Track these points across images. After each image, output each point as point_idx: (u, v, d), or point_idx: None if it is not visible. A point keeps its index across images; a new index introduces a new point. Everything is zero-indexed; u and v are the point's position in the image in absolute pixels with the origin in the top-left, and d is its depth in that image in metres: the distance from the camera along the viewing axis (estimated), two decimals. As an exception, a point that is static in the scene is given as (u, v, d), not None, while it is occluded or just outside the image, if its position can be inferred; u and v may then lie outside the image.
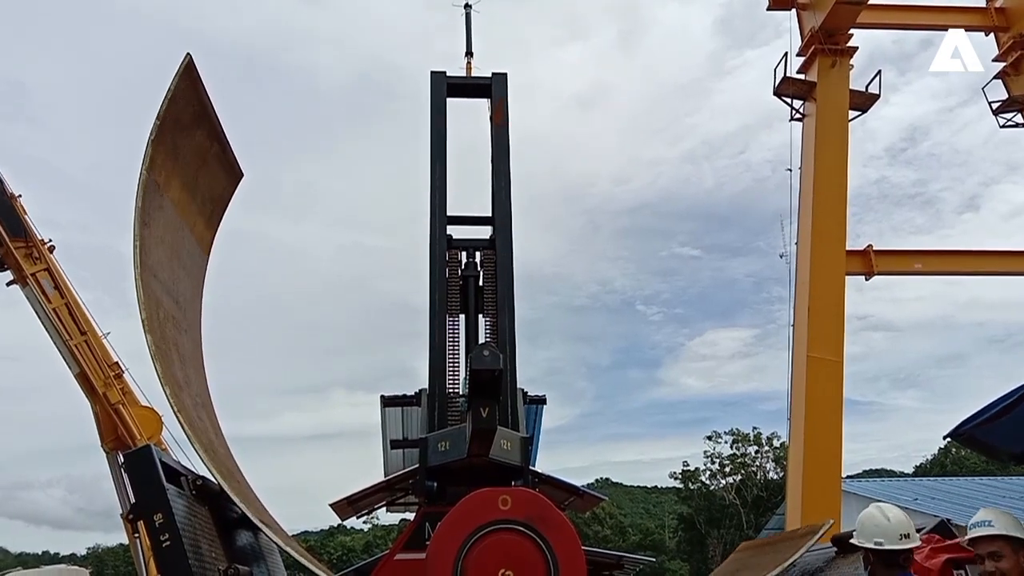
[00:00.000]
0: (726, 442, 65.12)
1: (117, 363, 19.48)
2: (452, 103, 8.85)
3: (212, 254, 8.00)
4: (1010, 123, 19.21)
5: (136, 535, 5.84)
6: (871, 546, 4.40)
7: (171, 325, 6.28)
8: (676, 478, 68.19)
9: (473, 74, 9.51)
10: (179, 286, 6.66)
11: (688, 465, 66.93)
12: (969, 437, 6.45)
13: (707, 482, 65.34)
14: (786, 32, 19.24)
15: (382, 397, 9.52)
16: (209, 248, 7.69)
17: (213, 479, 6.05)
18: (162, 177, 6.30)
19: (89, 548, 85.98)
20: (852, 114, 18.15)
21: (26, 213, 18.69)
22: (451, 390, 8.02)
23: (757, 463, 64.33)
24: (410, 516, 9.99)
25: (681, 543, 68.31)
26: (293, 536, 8.32)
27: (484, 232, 8.79)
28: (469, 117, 9.30)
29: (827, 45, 17.94)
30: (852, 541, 4.58)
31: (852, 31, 18.43)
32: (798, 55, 18.76)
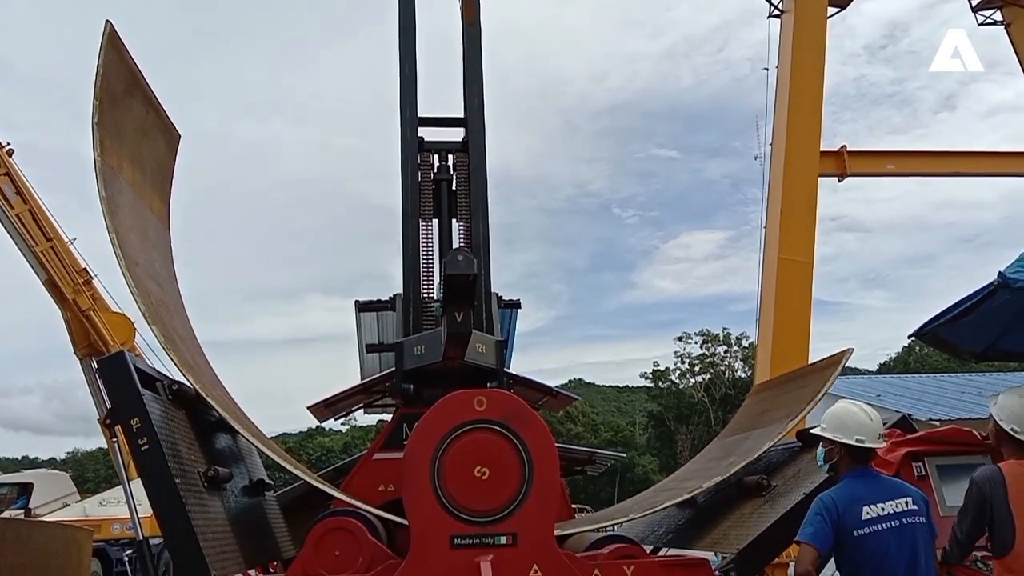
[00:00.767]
0: (696, 342, 66.63)
1: (85, 269, 19.27)
2: (422, -3, 8.52)
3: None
4: (988, 20, 18.96)
5: (114, 440, 5.85)
6: (851, 442, 4.49)
7: (164, 310, 6.22)
8: (647, 378, 69.98)
9: (443, -33, 9.12)
10: (156, 267, 6.57)
11: (659, 365, 68.54)
12: (933, 336, 6.62)
13: (677, 381, 67.14)
14: (767, -76, 18.61)
15: (356, 302, 9.50)
16: (168, 222, 7.50)
17: (188, 384, 6.06)
18: (114, 160, 6.07)
19: (68, 452, 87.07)
20: (831, 11, 17.80)
21: (-20, 116, 18.07)
22: (425, 295, 8.02)
23: (726, 362, 66.04)
24: (387, 417, 10.13)
25: (651, 439, 70.59)
26: (272, 438, 8.44)
27: (457, 134, 8.61)
28: (441, 10, 8.98)
29: (807, -63, 17.40)
30: (828, 435, 4.64)
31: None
32: (778, -52, 18.21)
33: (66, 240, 19.19)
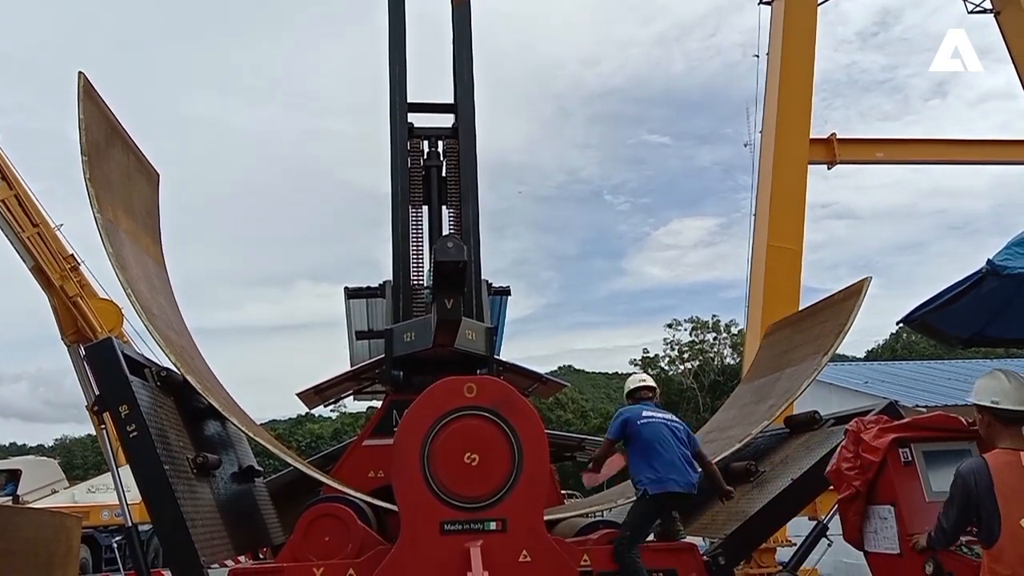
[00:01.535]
0: (686, 329, 66.72)
1: (72, 255, 19.12)
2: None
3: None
4: (978, 8, 18.98)
5: (102, 426, 5.83)
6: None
7: (187, 355, 6.32)
8: (636, 364, 69.97)
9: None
10: (167, 313, 6.61)
11: (648, 352, 68.65)
12: (921, 323, 6.63)
13: (666, 368, 67.21)
14: (758, -90, 18.52)
15: (346, 289, 9.47)
16: (164, 262, 7.53)
17: (176, 369, 6.05)
18: (110, 212, 6.09)
19: (57, 439, 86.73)
20: (821, -3, 17.76)
21: (-35, 100, 17.90)
22: (415, 282, 8.00)
23: (715, 349, 66.20)
24: (377, 404, 10.12)
25: (640, 426, 70.76)
26: (261, 425, 8.42)
27: (447, 120, 8.57)
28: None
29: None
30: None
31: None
32: (769, -66, 18.14)
33: (53, 226, 19.05)
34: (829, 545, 6.33)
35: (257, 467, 7.13)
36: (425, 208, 8.31)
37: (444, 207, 8.32)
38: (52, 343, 19.48)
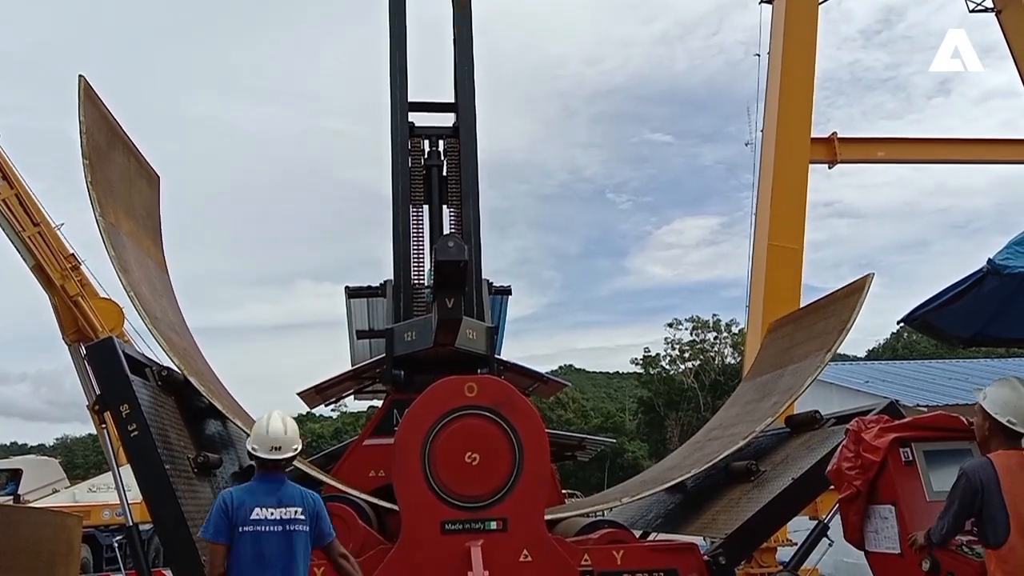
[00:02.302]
0: (686, 329, 66.69)
1: (73, 255, 19.12)
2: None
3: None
4: (979, 7, 18.95)
5: (103, 426, 5.84)
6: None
7: (189, 357, 6.34)
8: (637, 364, 69.98)
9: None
10: (168, 315, 6.63)
11: (649, 351, 68.63)
12: (922, 322, 6.65)
13: (667, 367, 67.19)
14: (759, -91, 18.51)
15: (347, 288, 9.48)
16: (165, 264, 7.55)
17: (177, 369, 6.05)
18: (112, 216, 6.11)
19: (58, 439, 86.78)
20: (822, -4, 17.75)
21: (-35, 99, 17.92)
22: (416, 281, 8.00)
23: (716, 349, 66.16)
24: (378, 403, 10.12)
25: (640, 425, 70.78)
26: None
27: (447, 120, 8.57)
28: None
29: (799, -77, 17.32)
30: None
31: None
32: (770, -67, 18.12)
33: (53, 225, 19.04)
34: (830, 545, 6.32)
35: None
36: (426, 207, 8.31)
37: (445, 206, 8.32)
38: (53, 342, 19.45)
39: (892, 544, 5.13)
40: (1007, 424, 4.34)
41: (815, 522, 6.45)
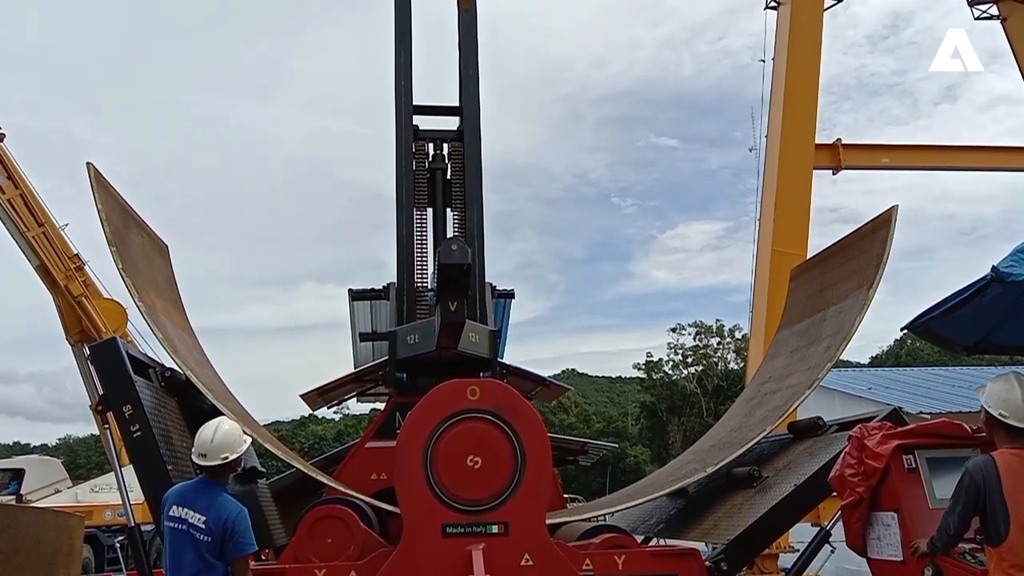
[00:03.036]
0: (689, 334, 66.75)
1: (77, 255, 19.18)
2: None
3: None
4: (985, 15, 18.95)
5: (106, 426, 5.86)
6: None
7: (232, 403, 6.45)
8: (640, 368, 70.01)
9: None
10: (211, 382, 6.59)
11: (652, 356, 68.63)
12: (926, 329, 6.63)
13: (669, 372, 67.20)
14: (765, -86, 18.51)
15: (350, 291, 9.50)
16: (192, 331, 7.63)
17: (180, 371, 6.06)
18: (148, 297, 6.18)
19: (60, 439, 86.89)
20: (828, 2, 17.75)
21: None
22: (419, 284, 8.01)
23: (719, 354, 66.17)
24: (380, 406, 10.14)
25: (643, 430, 70.75)
26: (264, 426, 8.43)
27: (452, 123, 8.59)
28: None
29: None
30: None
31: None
32: (776, -61, 18.12)
33: (58, 225, 19.10)
34: (832, 551, 6.31)
35: (260, 468, 7.14)
36: (430, 211, 8.31)
37: (449, 210, 8.33)
38: (57, 343, 19.49)
39: (895, 551, 5.12)
40: (999, 417, 4.38)
41: (817, 528, 6.43)
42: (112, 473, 5.68)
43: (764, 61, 18.10)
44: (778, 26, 17.77)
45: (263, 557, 6.78)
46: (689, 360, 66.30)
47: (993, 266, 5.38)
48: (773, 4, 17.97)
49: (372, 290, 9.21)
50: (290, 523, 6.76)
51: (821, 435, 6.87)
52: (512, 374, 8.69)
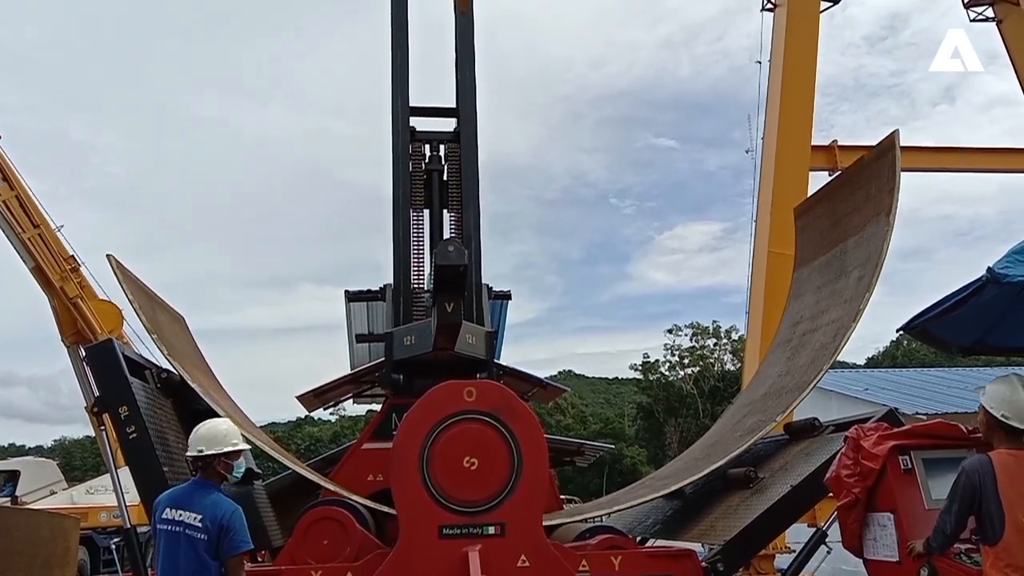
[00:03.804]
0: (686, 335, 66.73)
1: (73, 256, 19.15)
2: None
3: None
4: (980, 17, 18.99)
5: (102, 428, 5.85)
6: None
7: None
8: (636, 369, 69.99)
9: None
10: (260, 436, 6.65)
11: (648, 357, 68.61)
12: (921, 330, 6.62)
13: (666, 373, 67.18)
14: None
15: (346, 292, 9.50)
16: (230, 398, 7.69)
17: (175, 371, 6.06)
18: (192, 375, 6.19)
19: (56, 440, 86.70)
20: (824, 4, 17.78)
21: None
22: (416, 285, 8.01)
23: (715, 355, 66.17)
24: (377, 407, 10.13)
25: (640, 431, 70.74)
26: (261, 427, 8.42)
27: (448, 124, 8.59)
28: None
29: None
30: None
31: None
32: (772, -58, 18.15)
33: (53, 227, 19.06)
34: (828, 552, 6.32)
35: (256, 470, 7.13)
36: (426, 212, 8.32)
37: (445, 211, 8.33)
38: (52, 344, 19.46)
39: (890, 552, 5.12)
40: (1001, 419, 4.39)
41: (814, 529, 6.44)
42: (107, 475, 5.68)
43: (760, 63, 18.16)
44: (774, 28, 17.81)
45: (259, 559, 6.78)
46: (686, 361, 66.30)
47: (989, 267, 5.39)
48: (769, 6, 18.02)
49: (369, 291, 9.21)
50: (286, 525, 6.75)
51: (817, 436, 6.88)
52: (509, 375, 8.68)
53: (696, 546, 6.61)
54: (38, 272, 18.56)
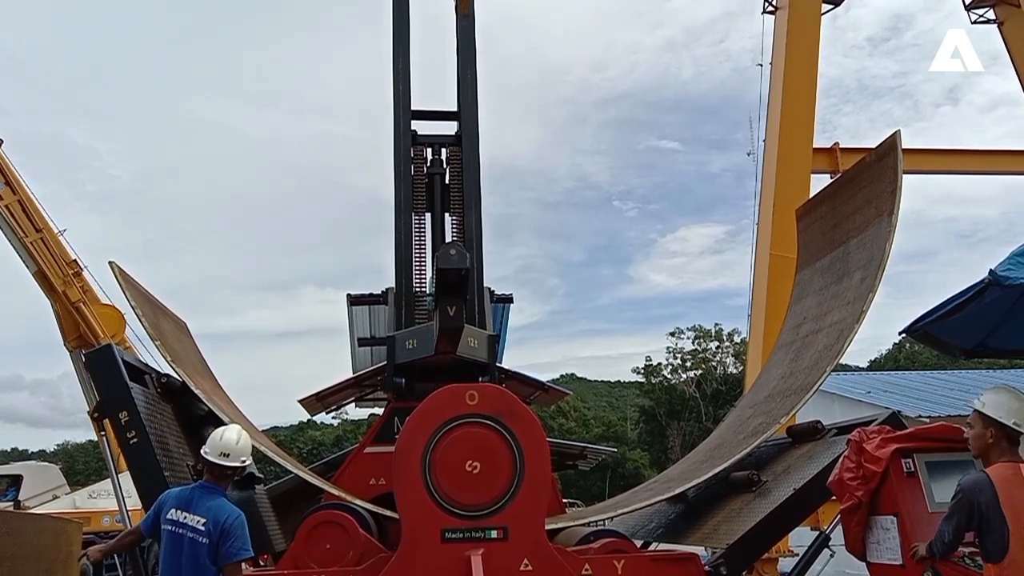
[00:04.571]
0: (688, 338, 66.70)
1: (75, 261, 19.17)
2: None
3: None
4: (981, 19, 18.99)
5: (102, 433, 5.86)
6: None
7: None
8: (638, 373, 69.97)
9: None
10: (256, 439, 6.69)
11: (651, 360, 68.57)
12: (923, 333, 6.62)
13: (668, 376, 67.12)
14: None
15: (348, 296, 9.50)
16: (232, 402, 7.72)
17: (177, 376, 6.06)
18: (196, 382, 6.22)
19: (58, 445, 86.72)
20: (825, 7, 17.79)
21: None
22: (418, 289, 8.00)
23: (718, 358, 66.13)
24: (379, 411, 10.11)
25: (642, 434, 70.69)
26: (263, 431, 8.42)
27: (450, 128, 8.59)
28: (436, 2, 8.94)
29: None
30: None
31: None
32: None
33: (56, 231, 19.09)
34: (831, 555, 6.30)
35: (257, 474, 7.13)
36: (428, 215, 8.32)
37: (447, 214, 8.33)
38: (55, 348, 19.47)
39: (894, 555, 5.11)
40: (1013, 427, 4.32)
41: (817, 533, 6.43)
42: (110, 479, 5.69)
43: (762, 66, 18.16)
44: (775, 31, 17.82)
45: (262, 563, 6.77)
46: (688, 364, 66.28)
47: (991, 270, 5.39)
48: (770, 9, 18.02)
49: (371, 295, 9.21)
50: (289, 529, 6.74)
51: (820, 439, 6.87)
52: (511, 379, 8.68)
53: (699, 550, 6.59)
54: (40, 276, 18.59)
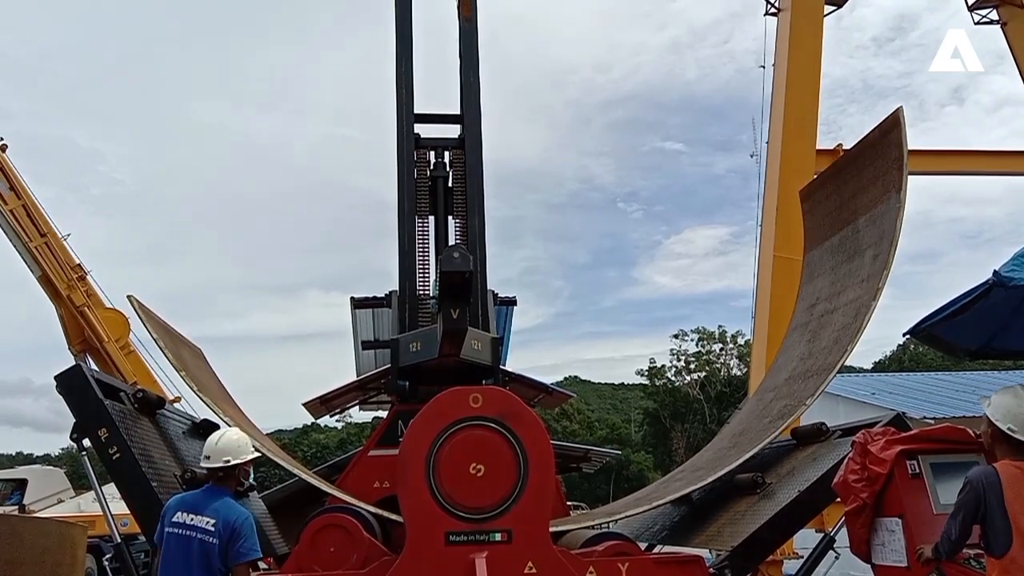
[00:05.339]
0: (692, 340, 66.63)
1: (80, 265, 19.22)
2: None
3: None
4: (985, 19, 18.96)
5: (83, 452, 5.81)
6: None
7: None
8: (642, 375, 69.91)
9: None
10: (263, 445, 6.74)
11: (655, 362, 68.51)
12: (928, 334, 6.60)
13: (672, 378, 67.06)
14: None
15: (352, 299, 9.51)
16: (253, 425, 7.76)
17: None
18: (222, 410, 6.27)
19: (63, 448, 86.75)
20: (828, 8, 17.77)
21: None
22: (421, 292, 8.01)
23: (721, 360, 66.05)
24: (383, 414, 10.13)
25: (646, 436, 70.61)
26: (267, 435, 8.42)
27: (453, 131, 8.60)
28: (438, 5, 8.96)
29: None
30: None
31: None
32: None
33: (60, 236, 19.14)
34: (836, 558, 6.29)
35: (251, 482, 7.13)
36: (432, 218, 8.32)
37: (450, 217, 8.33)
38: (60, 353, 19.52)
39: (899, 557, 5.10)
40: (1007, 432, 4.35)
41: (821, 535, 6.41)
42: (114, 483, 5.67)
43: (764, 67, 18.13)
44: (778, 32, 17.80)
45: (265, 566, 6.78)
46: (692, 366, 66.19)
47: (995, 270, 5.38)
48: (773, 11, 18.01)
49: (374, 298, 9.22)
50: (293, 532, 6.74)
51: (824, 441, 6.85)
52: (515, 381, 8.68)
53: (704, 552, 6.58)
54: (45, 281, 18.64)
